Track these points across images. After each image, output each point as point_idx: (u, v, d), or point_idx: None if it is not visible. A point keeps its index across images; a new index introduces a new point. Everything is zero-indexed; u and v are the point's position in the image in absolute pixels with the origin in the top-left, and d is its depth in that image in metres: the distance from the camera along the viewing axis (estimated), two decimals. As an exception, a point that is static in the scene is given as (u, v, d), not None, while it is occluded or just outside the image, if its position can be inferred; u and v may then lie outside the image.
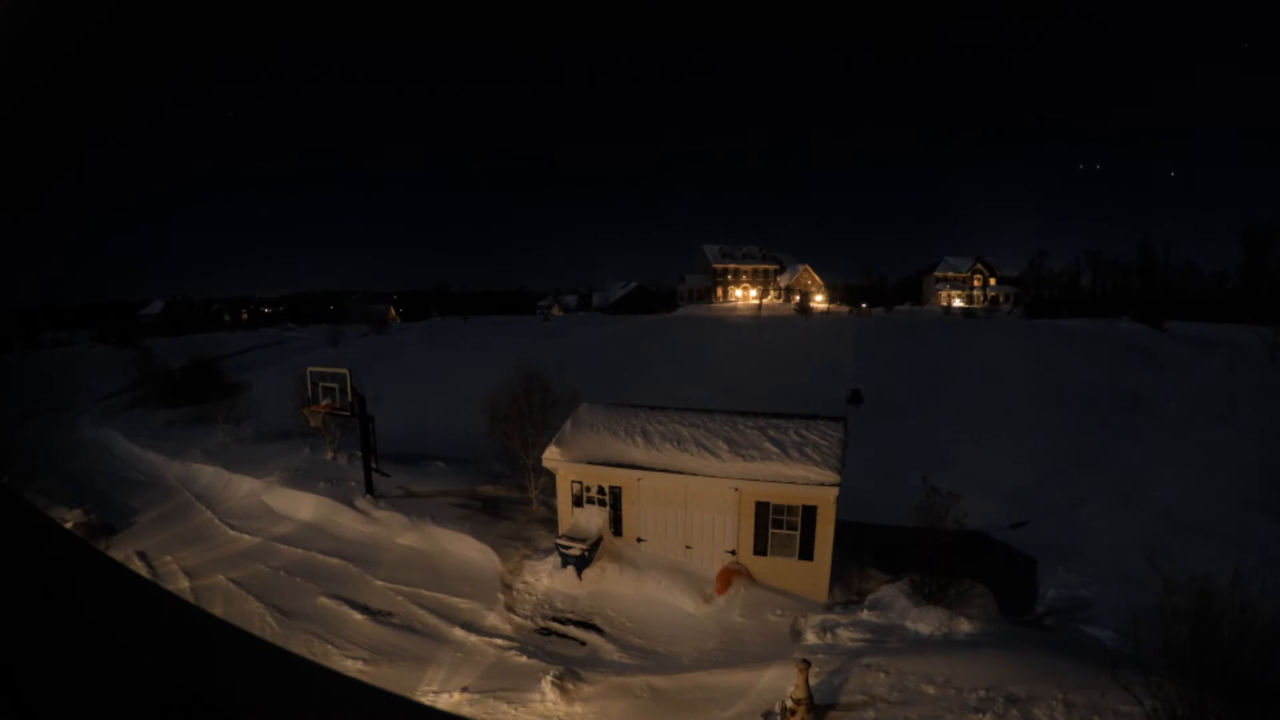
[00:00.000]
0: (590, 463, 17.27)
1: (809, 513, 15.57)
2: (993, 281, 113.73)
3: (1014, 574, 18.12)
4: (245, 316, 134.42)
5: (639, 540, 17.27)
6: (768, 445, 16.30)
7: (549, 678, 11.80)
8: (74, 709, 1.32)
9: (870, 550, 17.51)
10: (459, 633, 14.52)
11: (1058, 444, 30.16)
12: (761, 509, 15.94)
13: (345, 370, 22.36)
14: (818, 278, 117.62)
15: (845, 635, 13.55)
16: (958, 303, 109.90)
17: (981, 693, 10.31)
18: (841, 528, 15.77)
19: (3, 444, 22.35)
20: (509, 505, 21.08)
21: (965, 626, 13.54)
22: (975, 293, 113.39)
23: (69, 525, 19.29)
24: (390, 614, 15.43)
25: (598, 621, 15.09)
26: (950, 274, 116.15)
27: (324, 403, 22.43)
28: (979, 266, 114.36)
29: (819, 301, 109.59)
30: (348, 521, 20.37)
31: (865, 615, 14.39)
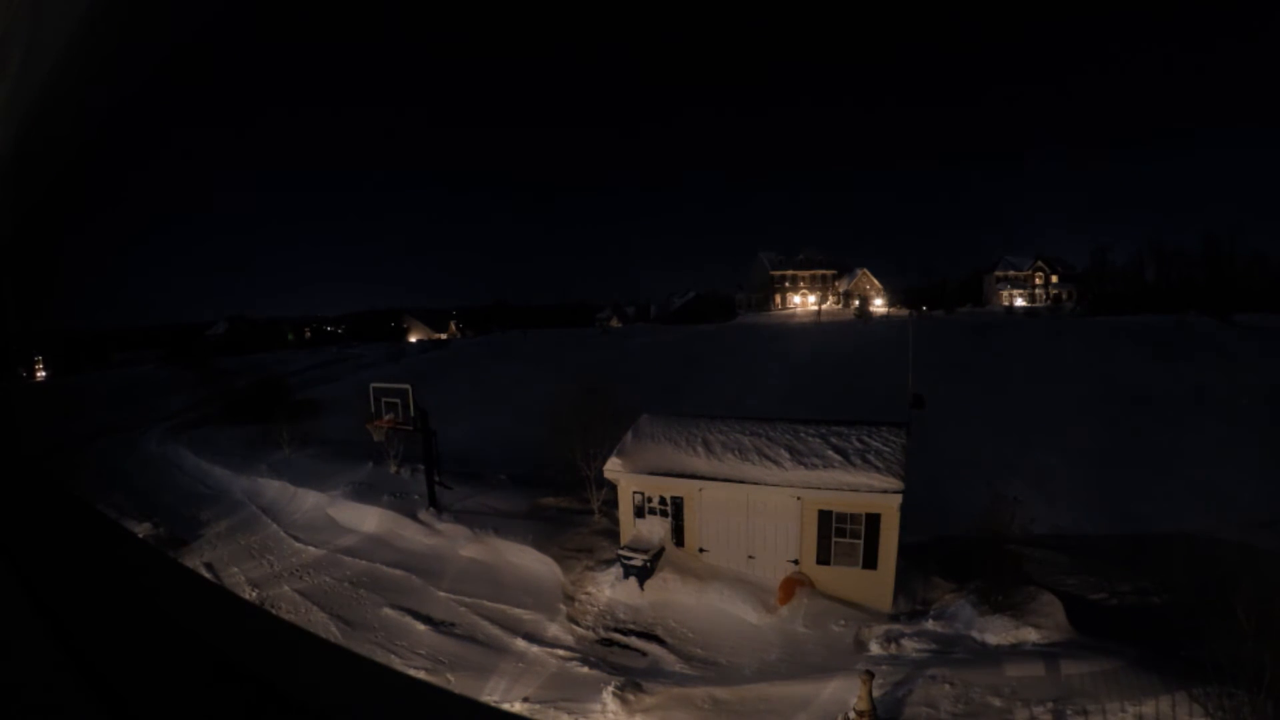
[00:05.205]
0: (651, 473, 17.24)
1: (872, 521, 15.24)
2: (1054, 279, 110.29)
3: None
4: (308, 335, 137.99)
5: (701, 550, 17.15)
6: (830, 453, 16.03)
7: (610, 688, 11.76)
8: (165, 708, 1.34)
9: (935, 558, 17.07)
10: (521, 643, 14.60)
11: (1124, 445, 29.03)
12: (824, 517, 15.67)
13: (407, 385, 22.84)
14: (876, 281, 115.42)
15: (910, 646, 13.25)
16: (1020, 302, 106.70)
17: (1049, 705, 9.97)
18: (904, 536, 15.42)
19: (74, 460, 23.27)
20: (571, 517, 21.12)
21: (1034, 636, 13.10)
22: (1037, 291, 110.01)
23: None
24: (453, 624, 15.60)
25: (659, 632, 15.00)
26: (1011, 273, 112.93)
27: (387, 418, 22.91)
28: (1040, 264, 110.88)
29: (878, 305, 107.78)
30: (411, 534, 20.68)
31: (930, 625, 14.01)
